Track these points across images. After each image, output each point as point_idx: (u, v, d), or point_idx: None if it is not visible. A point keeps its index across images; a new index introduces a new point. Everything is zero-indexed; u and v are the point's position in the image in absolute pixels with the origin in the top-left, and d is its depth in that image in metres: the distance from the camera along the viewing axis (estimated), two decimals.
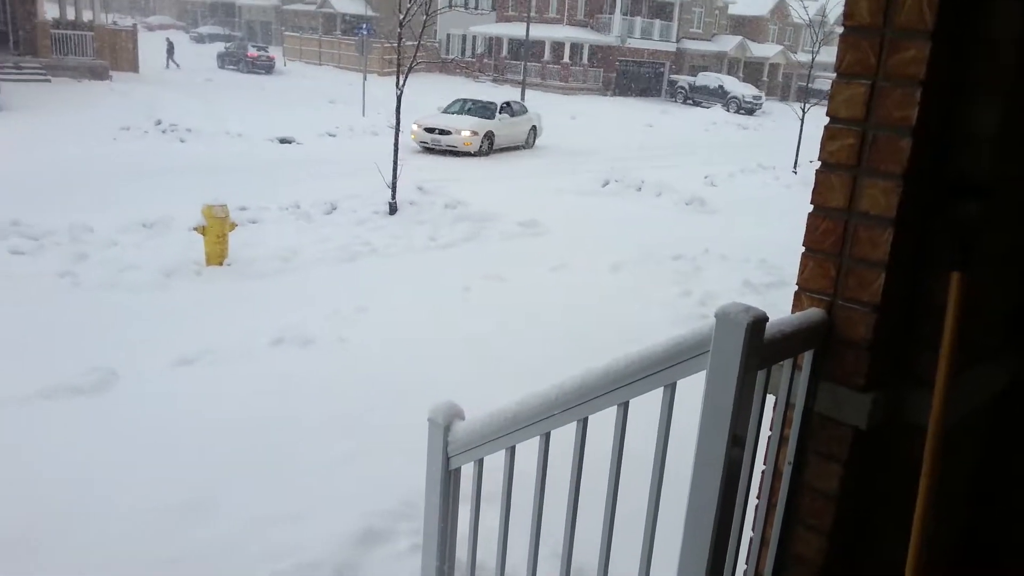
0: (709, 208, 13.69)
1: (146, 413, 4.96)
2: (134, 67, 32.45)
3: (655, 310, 7.33)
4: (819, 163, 1.83)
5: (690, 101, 44.45)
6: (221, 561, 3.51)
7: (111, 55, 30.55)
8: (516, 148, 21.57)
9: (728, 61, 52.34)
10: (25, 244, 8.62)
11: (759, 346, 1.63)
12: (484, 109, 21.13)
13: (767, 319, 1.64)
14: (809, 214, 1.87)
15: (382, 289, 7.99)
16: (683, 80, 46.21)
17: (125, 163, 14.84)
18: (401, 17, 11.25)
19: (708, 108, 41.38)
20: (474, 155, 19.51)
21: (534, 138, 22.59)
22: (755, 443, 1.85)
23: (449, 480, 2.46)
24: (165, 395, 5.24)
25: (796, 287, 1.93)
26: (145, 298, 7.32)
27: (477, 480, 2.35)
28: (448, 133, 19.44)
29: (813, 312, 1.86)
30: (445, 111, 21.48)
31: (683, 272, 8.73)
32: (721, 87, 43.45)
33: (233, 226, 8.51)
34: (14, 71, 25.25)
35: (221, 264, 8.32)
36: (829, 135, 1.80)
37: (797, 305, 1.92)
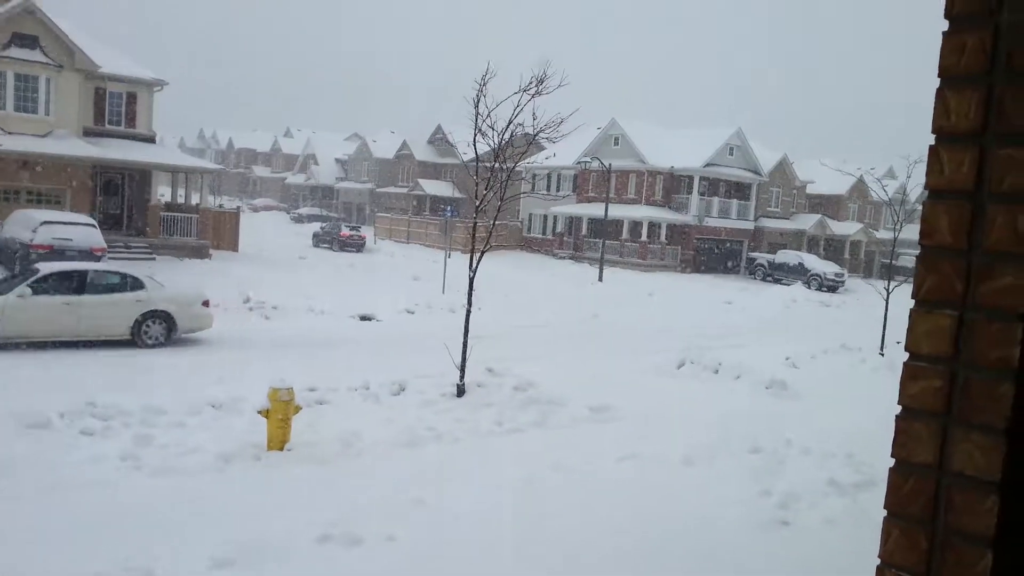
0: (791, 392, 13.01)
1: None
2: (234, 246, 34.50)
3: (731, 511, 6.71)
4: (899, 408, 1.50)
5: (770, 278, 44.14)
6: None
7: (214, 235, 32.63)
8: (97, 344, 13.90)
9: (808, 239, 52.29)
10: (95, 425, 8.70)
11: None
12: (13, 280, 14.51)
13: None
14: (890, 469, 1.52)
15: (441, 478, 7.64)
16: (762, 257, 46.18)
17: (205, 336, 15.26)
18: (477, 203, 11.56)
19: (788, 285, 40.89)
20: None
21: (164, 331, 14.47)
22: None
23: None
24: None
25: (878, 560, 1.54)
26: (200, 484, 7.15)
27: None
28: None
29: None
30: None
31: (762, 468, 8.08)
32: (801, 264, 43.14)
33: (298, 409, 8.42)
34: (124, 250, 27.07)
35: (282, 449, 8.16)
36: (909, 374, 1.48)
37: None
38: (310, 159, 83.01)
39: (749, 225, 48.89)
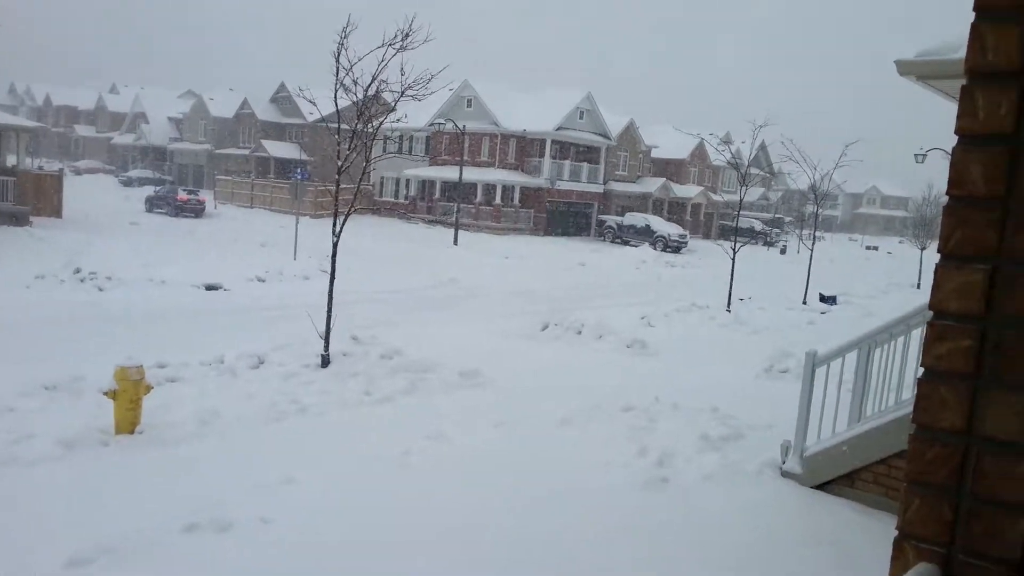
0: (651, 350, 13.40)
1: None
2: (58, 212, 31.66)
3: (614, 473, 6.75)
4: (922, 369, 1.38)
5: (619, 240, 45.56)
6: None
7: (35, 200, 29.76)
8: None
9: (653, 201, 54.34)
10: None
11: None
12: None
13: None
14: (911, 436, 1.40)
15: (311, 455, 7.24)
16: (611, 220, 47.56)
17: (34, 315, 13.90)
18: (340, 164, 10.98)
19: (637, 247, 42.37)
20: None
21: None
22: None
23: None
24: None
25: (896, 531, 1.42)
26: (40, 476, 6.40)
27: None
28: None
29: (924, 569, 1.36)
30: None
31: (636, 426, 8.21)
32: (648, 226, 44.78)
33: (148, 388, 7.72)
34: None
35: (132, 432, 7.46)
36: (935, 334, 1.36)
37: (898, 557, 1.41)
38: (140, 118, 77.22)
39: (599, 188, 50.13)
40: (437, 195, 48.34)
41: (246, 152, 63.34)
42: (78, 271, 18.93)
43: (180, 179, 65.92)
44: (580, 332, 14.49)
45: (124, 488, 6.18)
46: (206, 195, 47.69)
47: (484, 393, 9.96)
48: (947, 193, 1.33)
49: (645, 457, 7.17)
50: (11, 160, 30.18)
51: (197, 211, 41.82)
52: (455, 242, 35.80)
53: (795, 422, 6.70)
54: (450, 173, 44.24)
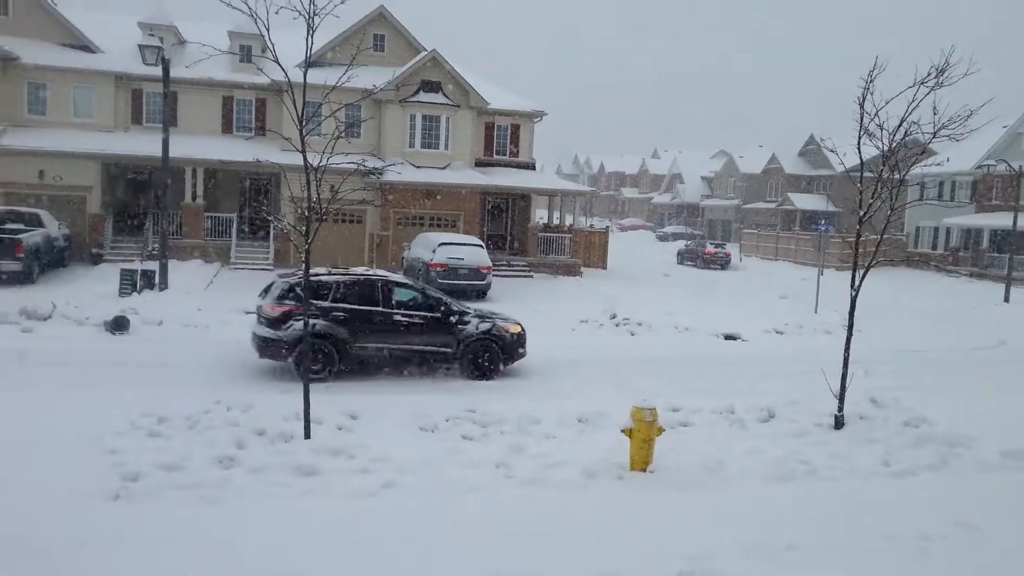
0: None
1: None
2: (603, 264, 35.76)
3: None
4: None
5: None
6: None
7: (584, 253, 34.16)
8: None
9: None
10: (475, 431, 9.34)
11: None
12: None
13: None
14: None
15: (818, 521, 6.85)
16: None
17: (575, 354, 15.81)
18: (861, 214, 10.38)
19: None
20: None
21: None
22: None
23: None
24: None
25: None
26: (564, 499, 7.24)
27: None
28: None
29: None
30: None
31: None
32: None
33: (660, 431, 8.19)
34: (506, 267, 29.50)
35: (644, 470, 7.98)
36: None
37: None
38: (676, 179, 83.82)
39: None
40: (984, 245, 42.41)
41: (772, 205, 63.98)
42: (614, 317, 21.09)
43: (709, 233, 69.38)
44: None
45: (629, 524, 6.61)
46: (732, 248, 49.30)
47: None
48: None
49: None
50: (569, 220, 35.20)
51: (723, 263, 43.42)
52: (1006, 299, 30.87)
53: None
54: (1002, 220, 38.47)
